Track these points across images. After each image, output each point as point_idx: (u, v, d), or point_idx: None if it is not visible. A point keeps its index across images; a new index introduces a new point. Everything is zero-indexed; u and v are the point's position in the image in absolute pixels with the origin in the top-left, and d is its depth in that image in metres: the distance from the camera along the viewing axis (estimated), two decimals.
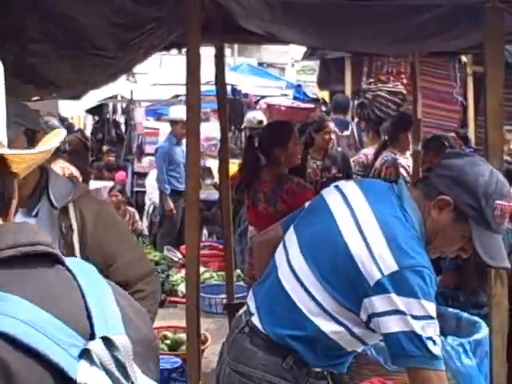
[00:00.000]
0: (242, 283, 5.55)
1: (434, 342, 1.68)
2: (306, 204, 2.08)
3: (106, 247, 2.01)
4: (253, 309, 1.95)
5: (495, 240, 1.82)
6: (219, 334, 5.15)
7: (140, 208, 8.60)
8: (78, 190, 2.02)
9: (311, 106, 9.82)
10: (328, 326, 1.82)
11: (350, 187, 1.95)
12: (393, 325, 1.69)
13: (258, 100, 10.06)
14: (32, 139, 1.88)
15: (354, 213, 1.84)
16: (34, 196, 1.97)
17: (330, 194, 1.96)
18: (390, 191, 1.90)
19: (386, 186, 1.97)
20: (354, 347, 1.91)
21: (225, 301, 4.70)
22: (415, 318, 1.67)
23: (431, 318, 1.69)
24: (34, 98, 3.78)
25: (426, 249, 1.84)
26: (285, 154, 3.98)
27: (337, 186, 1.98)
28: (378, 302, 1.71)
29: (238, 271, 6.09)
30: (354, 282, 1.76)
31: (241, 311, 2.03)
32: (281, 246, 2.00)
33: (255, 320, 1.92)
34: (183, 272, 6.93)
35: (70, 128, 9.60)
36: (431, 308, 1.70)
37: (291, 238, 1.97)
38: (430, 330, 1.68)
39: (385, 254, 1.73)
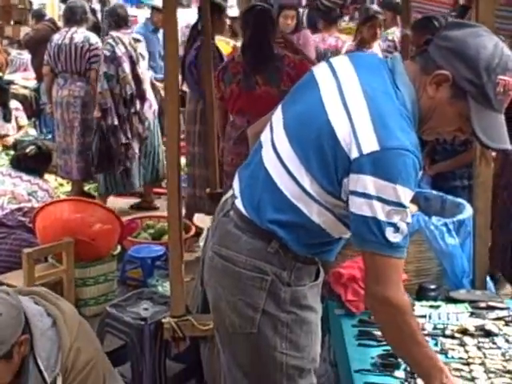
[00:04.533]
0: None
1: (397, 229, 1.62)
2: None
3: None
4: (237, 192, 1.88)
5: (496, 120, 1.68)
6: (205, 223, 5.18)
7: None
8: (64, 351, 1.89)
9: None
10: (310, 210, 1.75)
11: (340, 60, 1.82)
12: (357, 206, 1.63)
13: None
14: None
15: (340, 87, 1.72)
16: (22, 365, 1.87)
17: (320, 69, 1.84)
18: (383, 65, 1.76)
19: (379, 60, 1.84)
20: (340, 233, 1.84)
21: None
22: (384, 201, 1.60)
23: (402, 205, 1.62)
24: None
25: (420, 129, 1.74)
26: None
27: (328, 61, 1.85)
28: (352, 181, 1.64)
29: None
30: (336, 162, 1.68)
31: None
32: (267, 127, 1.91)
33: (239, 204, 1.85)
34: None
35: (40, 16, 9.19)
36: (406, 195, 1.62)
37: (277, 116, 1.87)
38: (396, 216, 1.62)
39: (368, 132, 1.63)
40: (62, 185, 6.10)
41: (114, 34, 5.46)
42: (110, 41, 5.40)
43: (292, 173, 1.75)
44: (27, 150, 4.38)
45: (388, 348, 1.93)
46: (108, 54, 5.34)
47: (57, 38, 5.69)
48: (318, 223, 1.77)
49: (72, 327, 1.92)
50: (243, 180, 1.89)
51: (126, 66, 5.35)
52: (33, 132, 7.75)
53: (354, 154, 1.63)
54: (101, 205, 4.06)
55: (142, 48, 5.72)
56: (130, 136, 5.42)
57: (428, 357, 1.69)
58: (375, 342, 2.08)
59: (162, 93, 5.59)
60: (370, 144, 1.62)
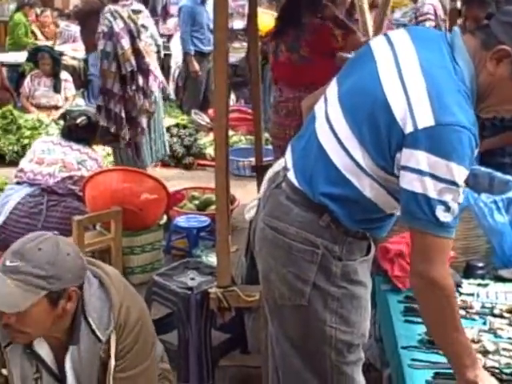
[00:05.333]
0: (270, 147, 5.53)
1: (448, 209, 1.60)
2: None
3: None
4: (289, 164, 1.87)
5: None
6: (247, 195, 5.21)
7: (166, 72, 8.46)
8: (115, 308, 1.90)
9: None
10: (363, 184, 1.74)
11: (398, 34, 1.79)
12: (408, 182, 1.62)
13: None
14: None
15: (397, 60, 1.69)
16: (73, 325, 1.90)
17: (377, 42, 1.81)
18: (442, 39, 1.72)
19: (438, 34, 1.79)
20: (392, 208, 1.81)
21: (253, 163, 4.69)
22: (436, 178, 1.58)
23: (455, 184, 1.59)
24: None
25: (478, 107, 1.70)
26: None
27: (386, 34, 1.82)
28: (405, 156, 1.62)
29: (267, 135, 6.06)
30: (389, 136, 1.66)
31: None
32: (322, 98, 1.89)
33: (291, 176, 1.84)
34: (211, 136, 6.92)
35: None
36: (460, 173, 1.60)
37: (332, 89, 1.85)
38: (448, 195, 1.59)
39: (423, 107, 1.60)
40: (109, 154, 6.19)
41: (112, 7, 5.16)
42: (108, 15, 5.12)
43: (345, 146, 1.74)
44: (78, 121, 4.45)
45: None
46: (106, 29, 5.06)
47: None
48: (370, 198, 1.76)
49: (119, 287, 1.96)
50: (296, 152, 1.89)
51: (125, 42, 5.04)
52: (81, 102, 7.86)
53: (409, 129, 1.61)
54: (149, 175, 4.11)
55: (144, 19, 5.44)
56: (123, 115, 5.01)
57: (464, 345, 1.67)
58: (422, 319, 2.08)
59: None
60: (426, 119, 1.60)
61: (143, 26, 5.36)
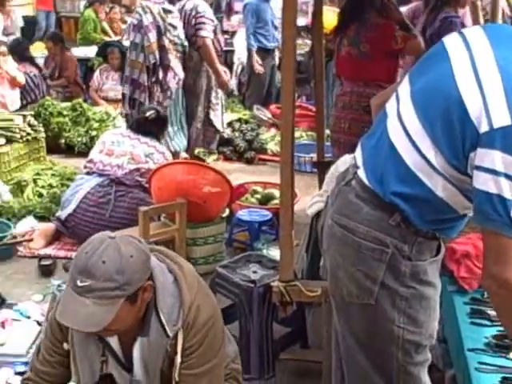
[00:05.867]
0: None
1: None
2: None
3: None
4: (359, 162, 1.87)
5: None
6: (308, 191, 5.23)
7: (229, 68, 8.53)
8: (185, 307, 1.91)
9: None
10: (435, 183, 1.72)
11: (474, 31, 1.76)
12: (482, 182, 1.59)
13: None
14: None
15: (473, 59, 1.67)
16: (145, 316, 1.92)
17: (451, 39, 1.78)
18: None
19: None
20: (464, 208, 1.78)
21: (315, 159, 4.69)
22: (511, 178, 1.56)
23: None
24: None
25: None
26: None
27: (460, 32, 1.79)
28: (479, 155, 1.60)
29: (328, 131, 6.06)
30: (464, 135, 1.63)
31: (344, 163, 1.97)
32: (393, 96, 1.87)
33: (361, 174, 1.84)
34: (272, 131, 6.98)
35: None
36: None
37: (404, 87, 1.83)
38: None
39: (500, 106, 1.58)
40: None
41: (144, 3, 5.47)
42: (139, 9, 5.42)
43: (417, 145, 1.72)
44: (147, 114, 4.54)
45: (503, 329, 1.91)
46: (135, 22, 5.37)
47: (177, 5, 5.85)
48: (442, 197, 1.74)
49: (192, 285, 1.97)
50: (366, 150, 1.89)
51: (152, 36, 5.32)
52: None
53: (484, 128, 1.59)
54: (213, 168, 4.17)
55: (173, 19, 5.56)
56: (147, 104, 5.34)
57: None
58: (489, 322, 2.05)
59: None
60: (502, 118, 1.57)
61: (171, 25, 5.52)
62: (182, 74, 5.59)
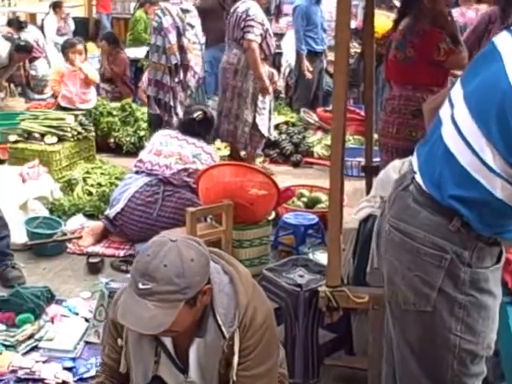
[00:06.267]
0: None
1: None
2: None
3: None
4: (416, 168, 1.86)
5: None
6: (355, 195, 5.20)
7: (277, 70, 8.53)
8: (241, 307, 1.92)
9: None
10: (493, 184, 1.69)
11: None
12: None
13: None
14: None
15: None
16: (202, 317, 1.94)
17: (501, 38, 1.76)
18: None
19: None
20: None
21: (362, 163, 4.65)
22: None
23: None
24: None
25: None
26: None
27: (508, 28, 1.76)
28: None
29: (375, 136, 6.01)
30: None
31: (394, 168, 1.95)
32: (446, 101, 1.85)
33: (418, 179, 1.83)
34: (319, 134, 6.95)
35: None
36: None
37: (457, 91, 1.82)
38: None
39: None
40: (219, 149, 6.33)
41: (162, 4, 5.63)
42: (159, 12, 5.59)
43: (473, 146, 1.70)
44: (195, 115, 4.57)
45: None
46: (156, 24, 5.56)
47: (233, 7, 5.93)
48: (502, 198, 1.70)
49: (247, 286, 1.97)
50: (421, 156, 1.87)
51: (172, 37, 5.51)
52: None
53: None
54: (261, 171, 4.17)
55: (191, 18, 5.79)
56: (172, 104, 5.63)
57: None
58: None
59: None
60: None
61: (190, 24, 5.70)
62: (201, 73, 5.86)
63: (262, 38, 5.57)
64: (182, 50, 5.62)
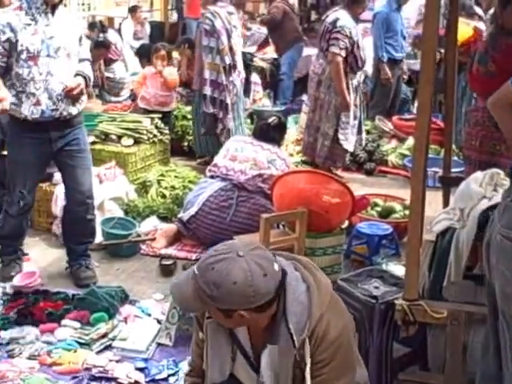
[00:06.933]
0: (455, 158, 5.34)
1: None
2: None
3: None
4: None
5: None
6: (430, 207, 5.06)
7: None
8: (313, 318, 1.91)
9: None
10: None
11: None
12: None
13: None
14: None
15: None
16: (274, 323, 1.95)
17: None
18: None
19: None
20: None
21: (440, 174, 4.53)
22: None
23: None
24: None
25: None
26: None
27: None
28: None
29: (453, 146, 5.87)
30: None
31: (476, 180, 1.89)
32: None
33: None
34: (393, 142, 6.83)
35: None
36: None
37: None
38: None
39: None
40: (291, 155, 6.31)
41: (211, 8, 5.84)
42: (209, 15, 5.80)
43: None
44: (269, 121, 4.57)
45: None
46: (208, 27, 5.76)
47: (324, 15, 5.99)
48: None
49: (324, 298, 1.95)
50: None
51: (224, 39, 5.78)
52: (267, 103, 8.08)
53: None
54: (336, 179, 4.12)
55: (235, 20, 6.08)
56: (228, 102, 5.92)
57: None
58: None
59: None
60: None
61: (234, 26, 5.95)
62: (243, 73, 6.17)
63: (348, 51, 5.52)
64: (231, 50, 5.89)
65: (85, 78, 3.72)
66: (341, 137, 5.68)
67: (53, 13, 3.61)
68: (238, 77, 6.03)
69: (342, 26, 5.49)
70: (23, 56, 3.56)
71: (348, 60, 5.54)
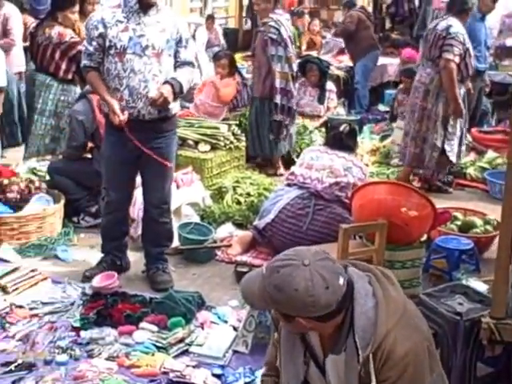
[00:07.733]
0: None
1: None
2: None
3: None
4: None
5: None
6: None
7: None
8: (378, 335, 1.87)
9: None
10: None
11: None
12: None
13: None
14: None
15: None
16: (339, 334, 1.95)
17: None
18: None
19: None
20: None
21: None
22: None
23: None
24: None
25: None
26: None
27: None
28: None
29: None
30: None
31: None
32: None
33: None
34: (472, 155, 6.66)
35: (351, 4, 9.65)
36: None
37: None
38: None
39: None
40: (367, 165, 6.23)
41: (274, 17, 5.91)
42: (273, 23, 5.87)
43: None
44: (341, 128, 4.52)
45: None
46: (275, 36, 5.84)
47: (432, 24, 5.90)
48: None
49: (393, 314, 1.91)
50: None
51: (291, 47, 5.96)
52: (341, 111, 8.02)
53: None
54: (418, 191, 4.01)
55: (290, 28, 6.27)
56: (295, 108, 6.22)
57: None
58: None
59: None
60: None
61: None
62: None
63: (461, 58, 5.42)
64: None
65: (172, 85, 3.71)
66: (447, 148, 5.59)
67: (146, 12, 3.68)
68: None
69: (455, 33, 5.40)
70: (111, 51, 3.67)
71: (460, 67, 5.44)
